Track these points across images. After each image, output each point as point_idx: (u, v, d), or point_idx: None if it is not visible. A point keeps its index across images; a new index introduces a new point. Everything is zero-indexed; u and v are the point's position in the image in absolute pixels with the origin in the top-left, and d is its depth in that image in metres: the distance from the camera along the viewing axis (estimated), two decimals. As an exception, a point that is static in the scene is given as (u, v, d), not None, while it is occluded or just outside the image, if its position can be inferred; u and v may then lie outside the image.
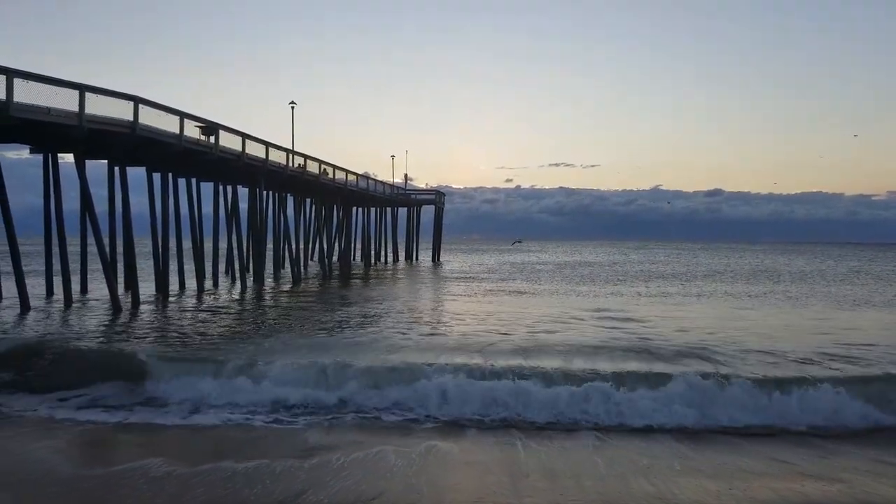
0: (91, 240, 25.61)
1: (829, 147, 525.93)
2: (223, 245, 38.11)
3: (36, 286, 27.21)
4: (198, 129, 27.84)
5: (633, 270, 55.77)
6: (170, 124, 25.52)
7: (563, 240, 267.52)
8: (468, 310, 25.02)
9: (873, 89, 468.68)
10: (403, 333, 18.52)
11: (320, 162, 41.66)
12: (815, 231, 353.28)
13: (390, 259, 64.97)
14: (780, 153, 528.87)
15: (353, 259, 58.45)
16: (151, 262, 29.63)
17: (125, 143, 23.68)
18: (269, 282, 36.91)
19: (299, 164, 38.62)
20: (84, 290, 28.98)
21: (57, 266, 25.56)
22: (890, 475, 8.27)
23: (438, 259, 67.87)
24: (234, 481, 7.74)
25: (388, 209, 64.72)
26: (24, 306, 22.16)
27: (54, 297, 25.72)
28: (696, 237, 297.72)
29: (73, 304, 24.05)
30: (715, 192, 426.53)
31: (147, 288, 29.30)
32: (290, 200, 44.86)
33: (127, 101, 22.92)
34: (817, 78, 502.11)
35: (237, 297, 29.54)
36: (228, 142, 29.98)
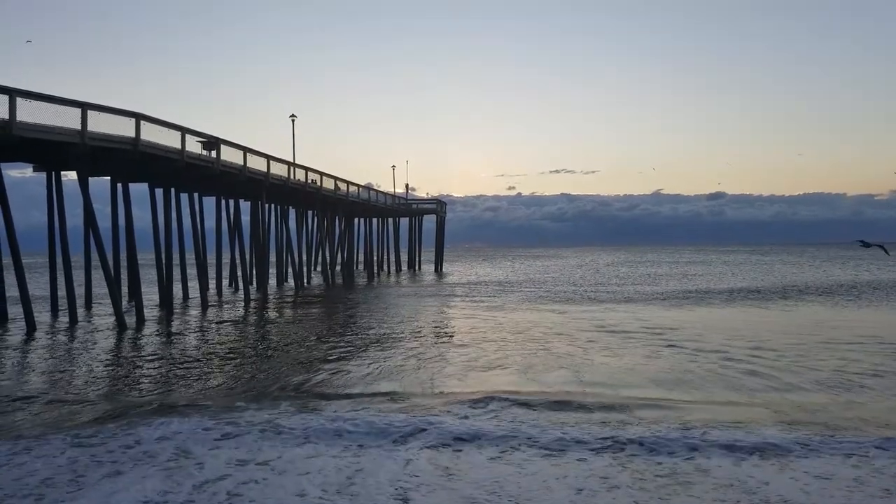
0: (95, 256, 25.70)
1: (830, 148, 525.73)
2: (227, 258, 38.23)
3: (41, 295, 27.43)
4: (199, 144, 27.98)
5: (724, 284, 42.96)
6: (172, 140, 25.65)
7: (568, 246, 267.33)
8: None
9: (874, 89, 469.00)
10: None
11: (321, 174, 41.81)
12: (819, 232, 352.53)
13: (393, 269, 65.04)
14: (781, 154, 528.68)
15: (356, 269, 58.48)
16: (155, 277, 29.75)
17: (128, 160, 23.80)
18: (272, 294, 36.90)
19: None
20: (88, 305, 29.16)
21: (61, 282, 25.64)
22: None
23: (441, 269, 67.89)
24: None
25: (390, 219, 64.85)
26: (30, 327, 22.15)
27: (59, 316, 25.79)
28: (699, 241, 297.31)
29: (79, 323, 24.06)
30: (717, 195, 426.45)
31: (152, 300, 29.41)
32: (291, 212, 44.98)
33: (129, 118, 23.06)
34: (818, 78, 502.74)
35: (240, 312, 29.51)
36: (230, 156, 30.12)
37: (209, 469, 8.39)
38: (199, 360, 16.94)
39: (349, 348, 18.51)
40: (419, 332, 21.86)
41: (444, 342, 19.49)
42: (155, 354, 18.02)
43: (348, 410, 11.20)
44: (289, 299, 34.75)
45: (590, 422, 10.35)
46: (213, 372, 15.43)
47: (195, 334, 22.05)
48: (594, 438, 9.32)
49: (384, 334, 21.09)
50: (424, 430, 9.80)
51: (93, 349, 18.71)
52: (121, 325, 22.68)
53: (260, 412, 11.13)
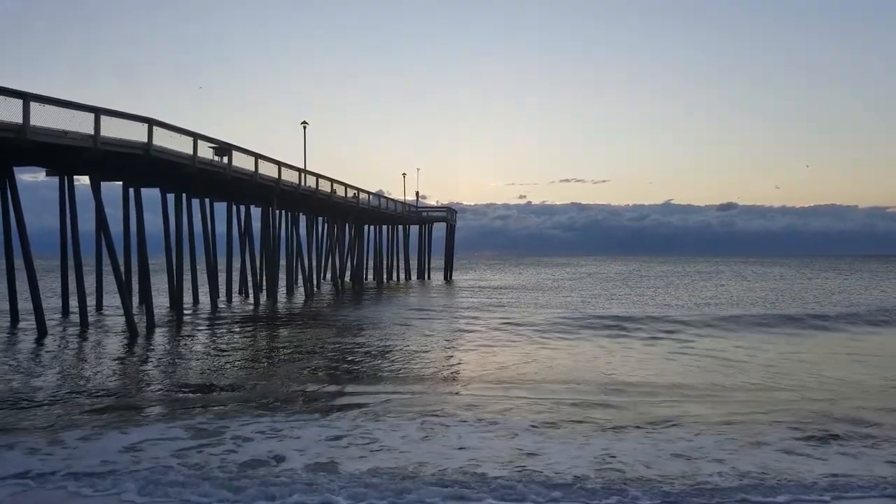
0: (106, 260, 25.81)
1: (841, 159, 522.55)
2: (237, 264, 38.30)
3: (53, 298, 27.59)
4: (211, 149, 28.06)
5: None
6: (183, 145, 25.75)
7: (578, 256, 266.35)
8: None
9: (887, 100, 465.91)
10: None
11: (332, 180, 41.88)
12: (830, 244, 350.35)
13: (402, 277, 64.98)
14: (793, 166, 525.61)
15: (366, 278, 58.41)
16: (165, 282, 29.81)
17: (140, 165, 23.90)
18: (281, 303, 36.94)
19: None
20: (99, 307, 29.28)
21: (73, 287, 25.76)
22: None
23: (451, 277, 67.78)
24: None
25: (400, 226, 64.86)
26: (41, 330, 22.21)
27: (70, 319, 25.91)
28: (709, 253, 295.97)
29: (89, 327, 24.11)
30: (728, 206, 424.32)
31: (162, 304, 29.49)
32: (302, 219, 45.03)
33: (141, 123, 23.16)
34: (830, 89, 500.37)
35: (247, 321, 29.53)
36: (241, 162, 30.20)
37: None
38: (203, 370, 16.95)
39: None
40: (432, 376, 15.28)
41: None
42: (161, 361, 18.05)
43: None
44: (297, 309, 34.73)
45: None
46: (213, 383, 15.42)
47: (203, 342, 22.06)
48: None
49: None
50: None
51: (99, 354, 18.76)
52: (131, 330, 22.71)
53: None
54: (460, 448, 9.60)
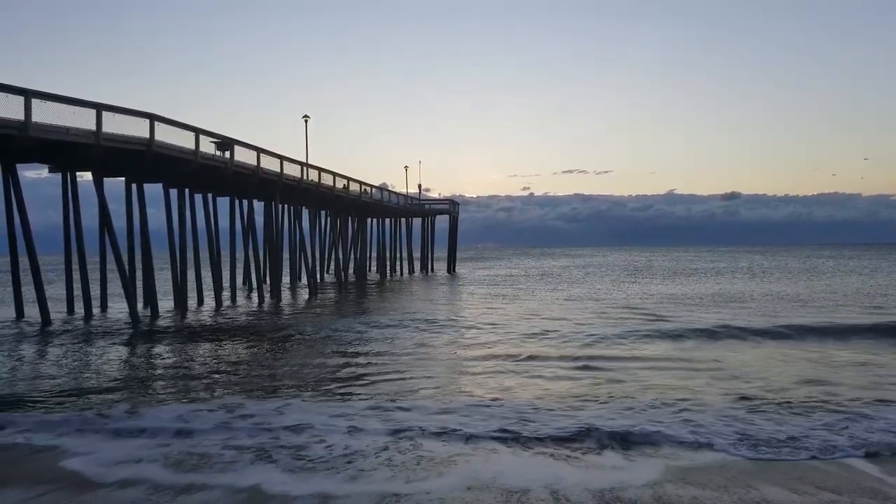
0: (110, 255, 25.91)
1: (845, 149, 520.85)
2: (241, 257, 38.33)
3: (57, 298, 27.66)
4: (213, 144, 28.07)
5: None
6: (185, 141, 25.78)
7: (582, 247, 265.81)
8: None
9: (889, 89, 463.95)
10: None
11: (334, 174, 41.87)
12: (834, 233, 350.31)
13: (406, 271, 64.97)
14: (796, 154, 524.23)
15: (369, 271, 58.38)
16: (169, 276, 29.90)
17: (142, 161, 23.94)
18: (285, 295, 36.99)
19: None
20: (104, 305, 29.38)
21: (77, 282, 25.85)
22: None
23: (454, 270, 67.77)
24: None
25: (403, 220, 64.81)
26: (46, 325, 22.31)
27: (75, 314, 25.99)
28: (713, 243, 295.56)
29: (93, 321, 24.22)
30: (732, 196, 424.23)
31: (166, 298, 29.55)
32: (305, 213, 45.01)
33: (143, 119, 23.20)
34: (833, 78, 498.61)
35: (252, 314, 29.61)
36: (244, 157, 30.20)
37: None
38: (209, 362, 17.02)
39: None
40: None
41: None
42: (165, 355, 18.12)
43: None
44: (301, 305, 34.80)
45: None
46: (221, 372, 15.49)
47: (206, 335, 22.11)
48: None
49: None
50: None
51: (103, 347, 18.82)
52: (135, 324, 22.80)
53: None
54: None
